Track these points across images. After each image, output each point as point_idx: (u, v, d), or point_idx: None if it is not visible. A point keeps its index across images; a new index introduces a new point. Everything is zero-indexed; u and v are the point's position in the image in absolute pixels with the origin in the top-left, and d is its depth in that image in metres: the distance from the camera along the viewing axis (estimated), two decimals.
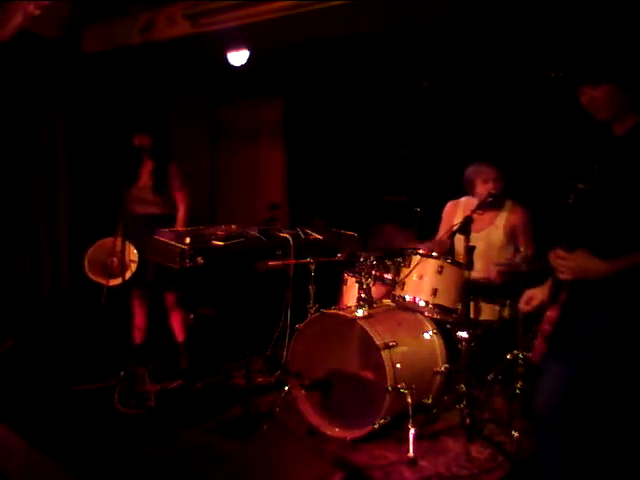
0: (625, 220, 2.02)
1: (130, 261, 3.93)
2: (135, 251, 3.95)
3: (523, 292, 2.41)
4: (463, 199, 3.95)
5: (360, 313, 3.34)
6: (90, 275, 3.96)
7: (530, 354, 3.16)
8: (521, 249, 3.61)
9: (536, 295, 2.33)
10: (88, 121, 5.41)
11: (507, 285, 3.48)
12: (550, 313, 2.19)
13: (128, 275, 3.89)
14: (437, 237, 3.95)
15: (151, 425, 3.45)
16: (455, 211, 3.94)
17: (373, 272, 3.58)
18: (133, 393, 3.73)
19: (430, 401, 3.40)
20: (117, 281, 3.87)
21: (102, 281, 3.92)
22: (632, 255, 1.97)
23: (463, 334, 3.35)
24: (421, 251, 3.53)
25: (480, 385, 3.52)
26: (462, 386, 3.34)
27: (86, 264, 3.96)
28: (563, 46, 3.53)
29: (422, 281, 3.46)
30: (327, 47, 4.76)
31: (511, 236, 3.74)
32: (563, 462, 2.15)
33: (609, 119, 2.13)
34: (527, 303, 2.36)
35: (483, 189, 3.70)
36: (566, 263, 2.06)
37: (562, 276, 2.10)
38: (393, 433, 3.26)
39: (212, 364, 4.41)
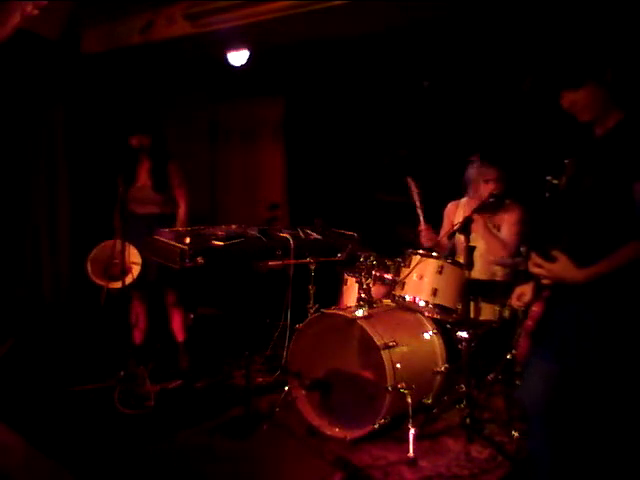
0: (601, 222, 2.03)
1: (132, 263, 3.94)
2: (137, 252, 3.96)
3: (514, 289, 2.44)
4: (463, 200, 3.95)
5: (360, 313, 3.34)
6: (93, 278, 3.96)
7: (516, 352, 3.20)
8: (521, 249, 3.61)
9: (527, 291, 2.36)
10: (88, 121, 5.42)
11: (509, 284, 3.48)
12: (534, 309, 2.21)
13: (131, 277, 3.90)
14: (438, 238, 3.94)
15: (151, 425, 3.45)
16: (455, 212, 3.94)
17: (373, 272, 3.58)
18: (133, 393, 3.73)
19: (430, 401, 3.40)
20: (119, 283, 3.88)
21: (104, 283, 3.93)
22: (607, 260, 1.97)
23: (463, 334, 3.35)
24: (421, 251, 3.53)
25: (480, 385, 3.52)
26: (462, 386, 3.34)
27: (89, 267, 3.97)
28: (546, 50, 3.55)
29: (422, 281, 3.45)
30: (327, 47, 4.76)
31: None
32: (552, 460, 2.15)
33: (591, 120, 2.13)
34: (518, 299, 2.39)
35: (484, 189, 3.69)
36: (544, 272, 2.08)
37: (544, 282, 2.15)
38: (393, 433, 3.25)
39: (212, 364, 4.42)
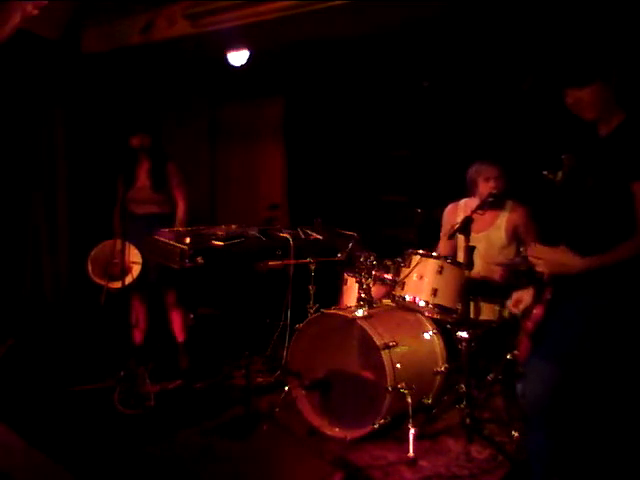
0: (603, 219, 2.04)
1: (132, 262, 3.94)
2: (137, 252, 3.96)
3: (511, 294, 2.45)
4: (462, 201, 3.94)
5: (360, 313, 3.34)
6: (94, 277, 3.97)
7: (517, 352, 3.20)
8: (521, 249, 3.61)
9: (524, 297, 2.36)
10: (88, 121, 5.42)
11: (508, 285, 3.48)
12: (535, 311, 2.21)
13: (131, 277, 3.90)
14: (439, 244, 3.94)
15: (151, 425, 3.45)
16: (455, 213, 3.93)
17: (373, 272, 3.57)
18: (133, 393, 3.73)
19: (430, 401, 3.40)
20: (119, 283, 3.88)
21: (104, 283, 3.93)
22: (609, 253, 1.98)
23: (463, 334, 3.35)
24: (421, 251, 3.53)
25: (480, 385, 3.51)
26: (462, 386, 3.34)
27: (90, 266, 3.97)
28: (552, 48, 3.56)
29: (422, 281, 3.45)
30: (327, 47, 4.76)
31: (513, 236, 3.73)
32: (551, 460, 2.15)
33: (595, 119, 2.14)
34: (515, 305, 2.40)
35: (485, 188, 3.69)
36: (543, 256, 2.07)
37: (539, 269, 2.13)
38: (393, 433, 3.25)
39: (212, 364, 4.41)
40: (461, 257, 3.56)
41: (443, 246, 3.89)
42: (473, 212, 3.46)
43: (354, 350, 3.32)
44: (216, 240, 3.38)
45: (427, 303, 3.42)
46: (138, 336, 4.30)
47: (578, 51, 2.16)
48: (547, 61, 3.78)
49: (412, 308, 3.55)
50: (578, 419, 2.10)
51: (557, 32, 3.68)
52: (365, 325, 3.23)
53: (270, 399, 3.71)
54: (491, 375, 3.49)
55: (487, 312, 3.54)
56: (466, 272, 3.36)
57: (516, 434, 3.16)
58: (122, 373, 3.79)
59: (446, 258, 3.50)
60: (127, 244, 3.86)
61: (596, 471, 2.11)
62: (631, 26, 3.28)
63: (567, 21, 3.66)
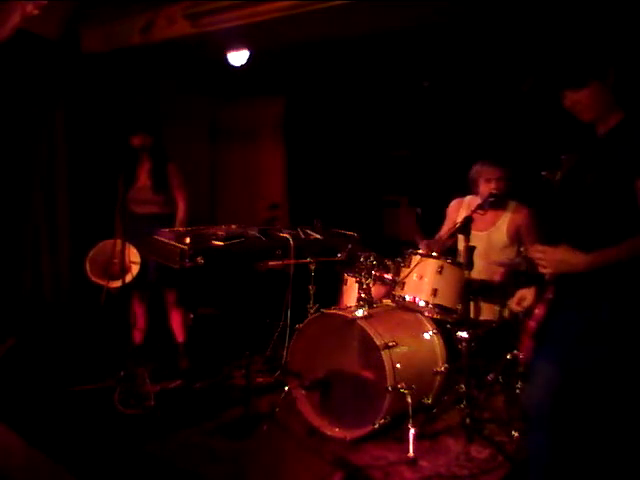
0: (604, 218, 2.04)
1: (131, 262, 3.94)
2: (136, 252, 3.96)
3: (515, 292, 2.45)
4: (468, 197, 3.94)
5: (360, 313, 3.34)
6: (92, 277, 3.97)
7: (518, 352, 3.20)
8: (521, 249, 3.61)
9: (527, 296, 2.36)
10: (88, 121, 5.42)
11: (508, 285, 3.48)
12: (537, 311, 2.21)
13: (130, 277, 3.90)
14: (438, 235, 3.94)
15: (151, 425, 3.45)
16: (459, 209, 3.94)
17: (373, 272, 3.58)
18: (133, 393, 3.73)
19: (430, 401, 3.40)
20: (119, 283, 3.88)
21: (104, 283, 3.93)
22: (613, 249, 1.98)
23: (463, 334, 3.35)
24: (421, 251, 3.53)
25: (480, 385, 3.51)
26: (462, 386, 3.34)
27: (88, 266, 3.97)
28: (549, 50, 3.56)
29: (422, 281, 3.45)
30: (327, 47, 4.77)
31: (515, 237, 3.73)
32: (551, 460, 2.15)
33: (593, 120, 2.14)
34: (518, 304, 2.40)
35: (485, 188, 3.69)
36: (546, 256, 2.07)
37: (543, 270, 2.12)
38: (393, 433, 3.25)
39: (212, 364, 4.41)
40: (461, 257, 3.56)
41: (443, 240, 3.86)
42: (473, 212, 3.46)
43: (354, 350, 3.32)
44: (216, 240, 3.38)
45: (427, 303, 3.42)
46: (138, 336, 4.30)
47: (574, 53, 2.15)
48: (547, 63, 3.78)
49: (412, 308, 3.55)
50: (579, 420, 2.09)
51: (556, 33, 3.69)
52: (365, 325, 3.23)
53: (270, 399, 3.71)
54: (491, 375, 3.50)
55: (487, 312, 3.54)
56: (466, 272, 3.36)
57: (516, 434, 3.16)
58: (122, 373, 3.79)
59: (446, 258, 3.50)
60: (126, 244, 3.86)
61: (596, 471, 2.11)
62: (627, 26, 3.28)
63: (565, 22, 3.66)
